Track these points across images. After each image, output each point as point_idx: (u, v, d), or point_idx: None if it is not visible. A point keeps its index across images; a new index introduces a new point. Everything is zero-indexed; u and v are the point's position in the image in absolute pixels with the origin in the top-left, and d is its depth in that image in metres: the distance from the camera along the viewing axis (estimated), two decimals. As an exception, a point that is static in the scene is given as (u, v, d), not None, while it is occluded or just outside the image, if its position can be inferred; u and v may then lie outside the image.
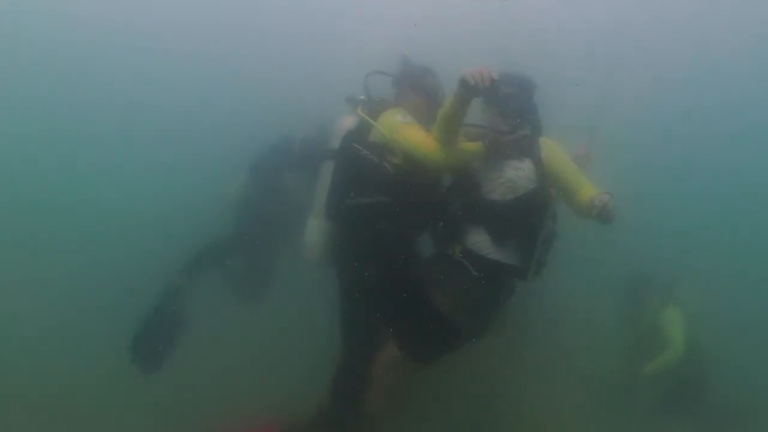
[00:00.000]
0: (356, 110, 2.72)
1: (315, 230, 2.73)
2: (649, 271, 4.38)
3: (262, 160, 3.75)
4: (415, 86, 2.80)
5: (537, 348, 3.42)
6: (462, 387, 3.22)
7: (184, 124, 6.54)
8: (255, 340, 3.93)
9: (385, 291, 2.48)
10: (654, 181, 5.57)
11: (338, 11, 6.16)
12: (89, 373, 3.57)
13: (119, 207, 5.91)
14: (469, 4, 5.09)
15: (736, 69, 6.59)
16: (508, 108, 2.57)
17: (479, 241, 2.52)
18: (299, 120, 3.67)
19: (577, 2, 6.04)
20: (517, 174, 2.52)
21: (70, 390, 3.42)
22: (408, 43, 3.03)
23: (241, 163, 3.84)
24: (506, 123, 2.58)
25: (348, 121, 2.74)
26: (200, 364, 3.59)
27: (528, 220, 2.48)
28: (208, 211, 3.97)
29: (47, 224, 5.84)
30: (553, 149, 2.59)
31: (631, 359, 4.14)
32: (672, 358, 3.91)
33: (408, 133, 2.48)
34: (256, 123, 4.21)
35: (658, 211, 5.78)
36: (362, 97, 2.81)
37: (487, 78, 2.07)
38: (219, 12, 6.90)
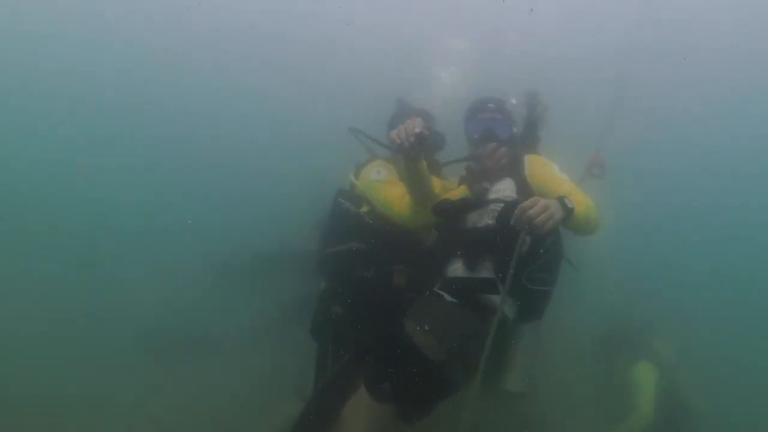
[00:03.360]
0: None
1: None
2: (621, 322, 4.23)
3: None
4: None
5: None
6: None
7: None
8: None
9: (357, 328, 2.33)
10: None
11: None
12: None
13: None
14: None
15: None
16: (480, 134, 2.45)
17: (456, 268, 2.36)
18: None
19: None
20: (498, 197, 2.35)
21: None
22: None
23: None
24: (485, 149, 2.44)
25: None
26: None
27: (506, 235, 2.13)
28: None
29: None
30: (537, 164, 2.44)
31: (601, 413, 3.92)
32: (637, 426, 3.67)
33: (380, 193, 2.52)
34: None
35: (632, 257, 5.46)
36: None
37: (410, 133, 2.03)
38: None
